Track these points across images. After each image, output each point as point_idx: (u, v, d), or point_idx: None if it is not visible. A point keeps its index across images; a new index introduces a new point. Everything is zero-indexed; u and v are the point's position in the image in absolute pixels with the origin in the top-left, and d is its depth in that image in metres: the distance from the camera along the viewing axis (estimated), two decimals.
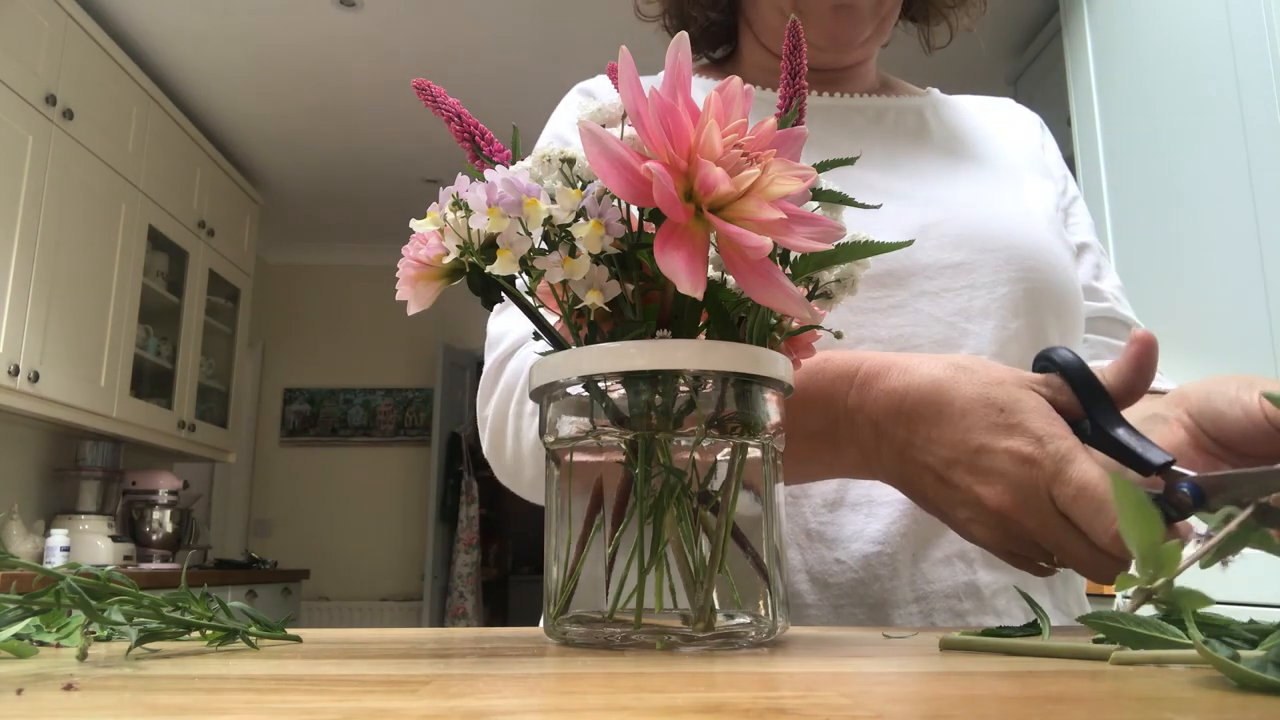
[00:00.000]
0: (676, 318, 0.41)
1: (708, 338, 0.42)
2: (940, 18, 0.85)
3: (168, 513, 3.43)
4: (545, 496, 0.43)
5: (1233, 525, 0.34)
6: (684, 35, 0.40)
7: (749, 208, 0.36)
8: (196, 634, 0.39)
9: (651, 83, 0.85)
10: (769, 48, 0.82)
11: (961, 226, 0.72)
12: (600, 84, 0.83)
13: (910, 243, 0.49)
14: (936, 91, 0.87)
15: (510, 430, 0.70)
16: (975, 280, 0.70)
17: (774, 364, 0.40)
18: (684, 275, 0.35)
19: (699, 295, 0.35)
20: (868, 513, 0.65)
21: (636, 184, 0.36)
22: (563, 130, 0.79)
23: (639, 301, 0.41)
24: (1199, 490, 0.40)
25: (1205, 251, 1.87)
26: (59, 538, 2.81)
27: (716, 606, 0.39)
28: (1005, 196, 0.71)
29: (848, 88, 0.82)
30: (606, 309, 0.41)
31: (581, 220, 0.39)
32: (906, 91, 0.86)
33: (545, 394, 0.41)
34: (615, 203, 0.39)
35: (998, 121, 0.87)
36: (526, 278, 0.42)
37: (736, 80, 0.38)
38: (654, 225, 0.39)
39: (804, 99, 0.45)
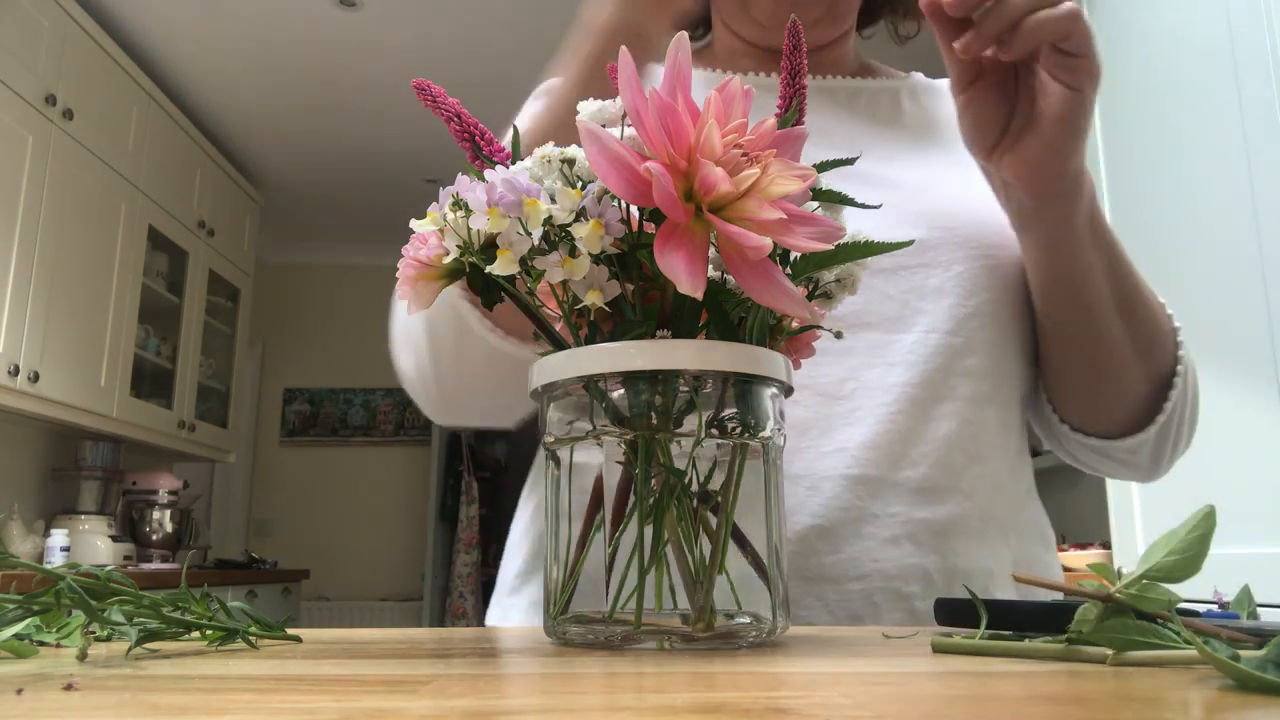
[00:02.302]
0: (677, 318, 0.41)
1: (707, 338, 0.42)
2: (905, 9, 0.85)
3: (168, 513, 3.43)
4: (545, 496, 0.43)
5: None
6: (684, 35, 0.40)
7: (749, 208, 0.36)
8: (196, 634, 0.39)
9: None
10: (732, 29, 0.81)
11: (921, 205, 0.71)
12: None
13: (910, 243, 0.49)
14: (919, 75, 0.86)
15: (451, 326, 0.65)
16: (932, 259, 0.69)
17: (774, 364, 0.40)
18: (684, 275, 0.35)
19: (699, 295, 0.35)
20: (809, 485, 0.64)
21: (636, 184, 0.36)
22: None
23: (639, 301, 0.41)
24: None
25: (1205, 251, 1.87)
26: (59, 538, 2.81)
27: (716, 606, 0.39)
28: (973, 179, 0.71)
29: (822, 70, 0.81)
30: (606, 309, 0.41)
31: (581, 220, 0.39)
32: (886, 75, 0.85)
33: (545, 394, 0.41)
34: (615, 203, 0.39)
35: None
36: (527, 278, 0.42)
37: (736, 80, 0.38)
38: (654, 225, 0.39)
39: (804, 99, 0.45)
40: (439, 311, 0.63)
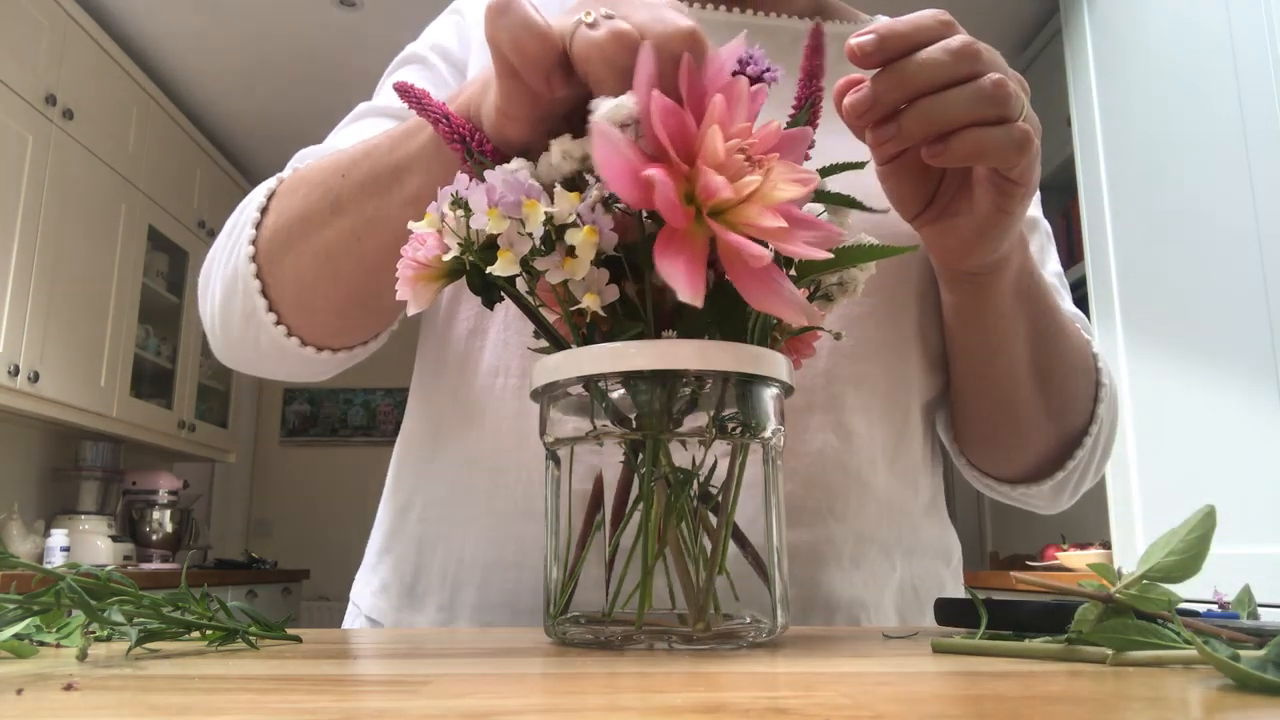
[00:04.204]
0: (679, 318, 0.41)
1: (715, 336, 0.41)
2: None
3: (168, 513, 3.43)
4: (545, 496, 0.43)
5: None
6: (699, 35, 0.40)
7: (750, 214, 0.36)
8: (196, 634, 0.39)
9: None
10: None
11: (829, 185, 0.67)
12: (469, 2, 0.79)
13: (915, 248, 0.49)
14: (883, 18, 0.74)
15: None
16: None
17: (774, 364, 0.40)
18: (683, 281, 0.35)
19: (698, 302, 0.35)
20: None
21: (641, 187, 0.36)
22: (437, 41, 0.77)
23: (649, 302, 0.41)
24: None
25: (1205, 251, 1.87)
26: (59, 538, 2.81)
27: (718, 606, 0.39)
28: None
29: (773, 7, 0.73)
30: (602, 313, 0.40)
31: (576, 226, 0.39)
32: (846, 17, 0.76)
33: (545, 394, 0.41)
34: (614, 208, 0.39)
35: None
36: (526, 278, 0.42)
37: (743, 80, 0.38)
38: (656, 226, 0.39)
39: (820, 100, 0.45)
40: (233, 288, 0.60)
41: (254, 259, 0.59)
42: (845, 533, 0.61)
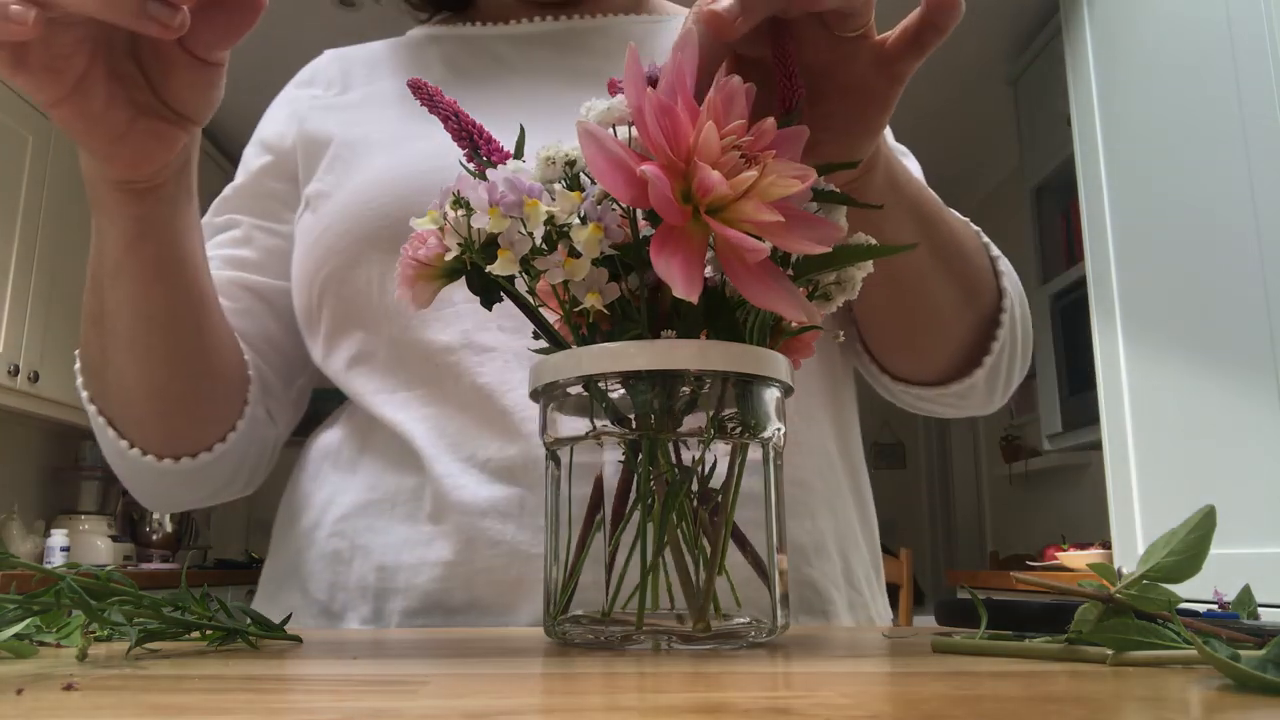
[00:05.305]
0: (679, 318, 0.41)
1: (710, 337, 0.41)
2: None
3: (167, 513, 3.43)
4: (545, 496, 0.43)
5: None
6: (692, 32, 0.40)
7: (747, 210, 0.36)
8: (196, 634, 0.39)
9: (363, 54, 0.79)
10: None
11: None
12: (315, 69, 0.79)
13: (914, 246, 0.48)
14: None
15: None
16: None
17: (774, 364, 0.40)
18: (679, 279, 0.35)
19: (694, 300, 0.35)
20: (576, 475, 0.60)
21: (635, 186, 0.36)
22: (266, 137, 0.76)
23: (645, 303, 0.41)
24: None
25: (1205, 251, 1.87)
26: (59, 538, 2.81)
27: (719, 606, 0.39)
28: None
29: (597, 9, 0.75)
30: (605, 311, 0.41)
31: (580, 223, 0.39)
32: (667, 12, 0.78)
33: (545, 394, 0.41)
34: (614, 205, 0.39)
35: None
36: (526, 277, 0.42)
37: (736, 79, 0.38)
38: (652, 225, 0.39)
39: (802, 96, 0.45)
40: (92, 411, 0.65)
41: (80, 372, 0.65)
42: (811, 527, 0.64)
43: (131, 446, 0.64)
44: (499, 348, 0.62)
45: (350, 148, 0.70)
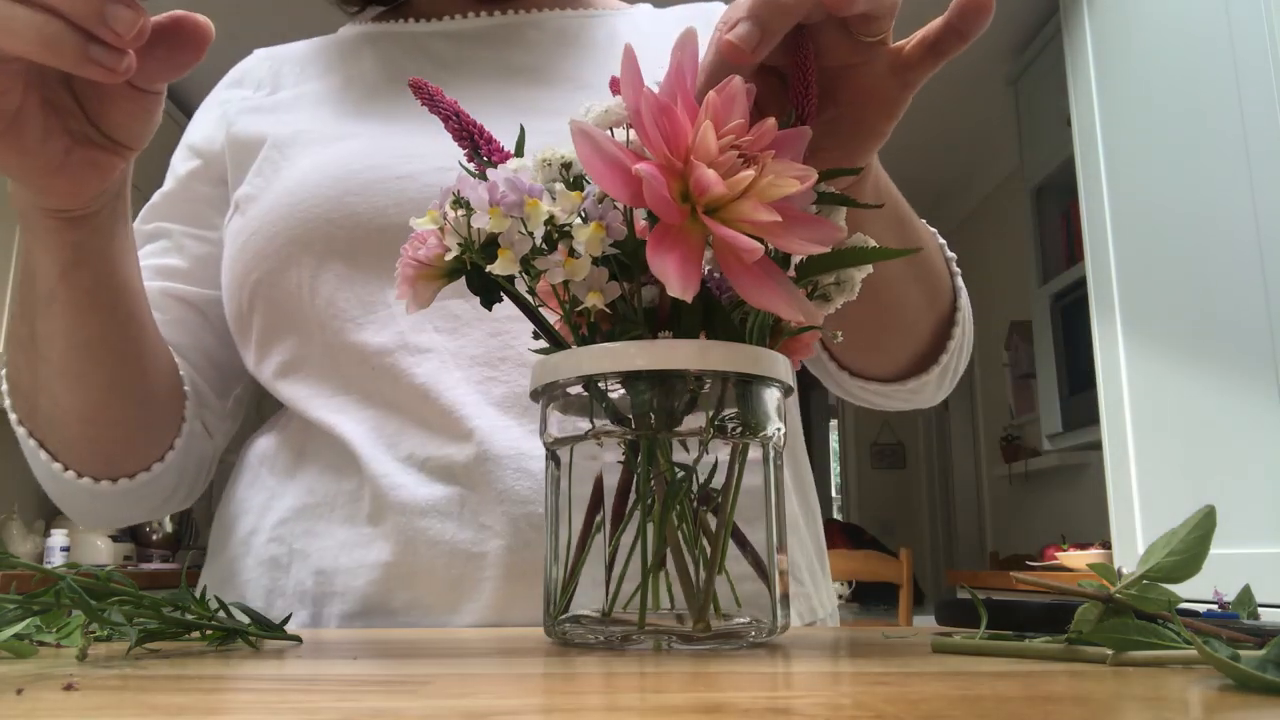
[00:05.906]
0: (678, 318, 0.41)
1: (708, 337, 0.41)
2: None
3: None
4: (545, 496, 0.43)
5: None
6: (692, 31, 0.40)
7: (744, 210, 0.36)
8: (196, 634, 0.39)
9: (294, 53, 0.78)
10: None
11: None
12: (244, 69, 0.78)
13: (918, 250, 0.48)
14: (645, 7, 0.79)
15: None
16: None
17: (774, 364, 0.40)
18: (674, 278, 0.35)
19: (689, 299, 0.35)
20: (516, 468, 0.58)
21: (631, 185, 0.36)
22: (194, 141, 0.75)
23: (640, 303, 0.41)
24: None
25: (1205, 251, 1.87)
26: (59, 538, 2.81)
27: (718, 606, 0.39)
28: None
29: (533, 4, 0.75)
30: (606, 310, 0.41)
31: (582, 222, 0.39)
32: (602, 6, 0.78)
33: (545, 394, 0.41)
34: (615, 205, 0.39)
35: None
36: (526, 277, 0.42)
37: (738, 80, 0.38)
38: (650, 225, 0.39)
39: (814, 103, 0.45)
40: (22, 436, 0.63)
41: (7, 394, 0.63)
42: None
43: (66, 469, 0.63)
44: (435, 348, 0.61)
45: (279, 149, 0.69)
